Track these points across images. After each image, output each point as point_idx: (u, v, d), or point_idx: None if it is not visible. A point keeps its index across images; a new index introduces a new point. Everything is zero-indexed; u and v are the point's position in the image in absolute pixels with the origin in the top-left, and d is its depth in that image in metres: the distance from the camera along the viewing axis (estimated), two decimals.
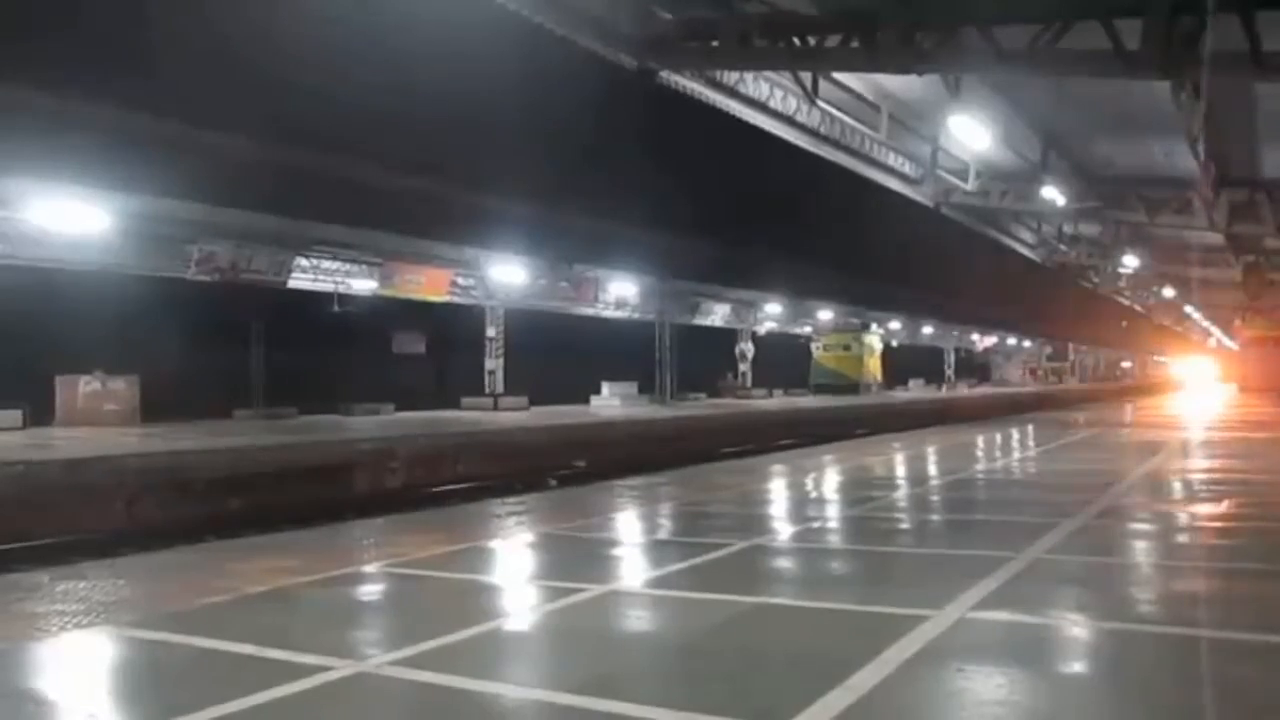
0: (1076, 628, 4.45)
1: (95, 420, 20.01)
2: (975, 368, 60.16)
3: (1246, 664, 3.81)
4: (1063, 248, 33.57)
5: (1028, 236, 31.73)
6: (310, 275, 22.48)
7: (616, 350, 31.18)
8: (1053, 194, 22.00)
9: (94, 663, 4.09)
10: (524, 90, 8.44)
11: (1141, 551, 6.59)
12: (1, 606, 4.79)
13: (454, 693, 3.52)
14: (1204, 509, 8.02)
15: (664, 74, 14.26)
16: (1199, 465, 11.92)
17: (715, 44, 13.60)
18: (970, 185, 23.21)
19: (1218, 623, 4.40)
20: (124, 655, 4.19)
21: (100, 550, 7.96)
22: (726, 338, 38.41)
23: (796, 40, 12.89)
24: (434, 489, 14.25)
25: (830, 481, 10.55)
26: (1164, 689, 3.60)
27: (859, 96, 17.75)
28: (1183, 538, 6.94)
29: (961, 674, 3.71)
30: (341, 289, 23.00)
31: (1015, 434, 18.18)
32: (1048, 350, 62.89)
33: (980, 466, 12.21)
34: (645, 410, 26.35)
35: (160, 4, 6.16)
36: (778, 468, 11.68)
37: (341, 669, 3.75)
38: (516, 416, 22.81)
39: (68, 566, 5.59)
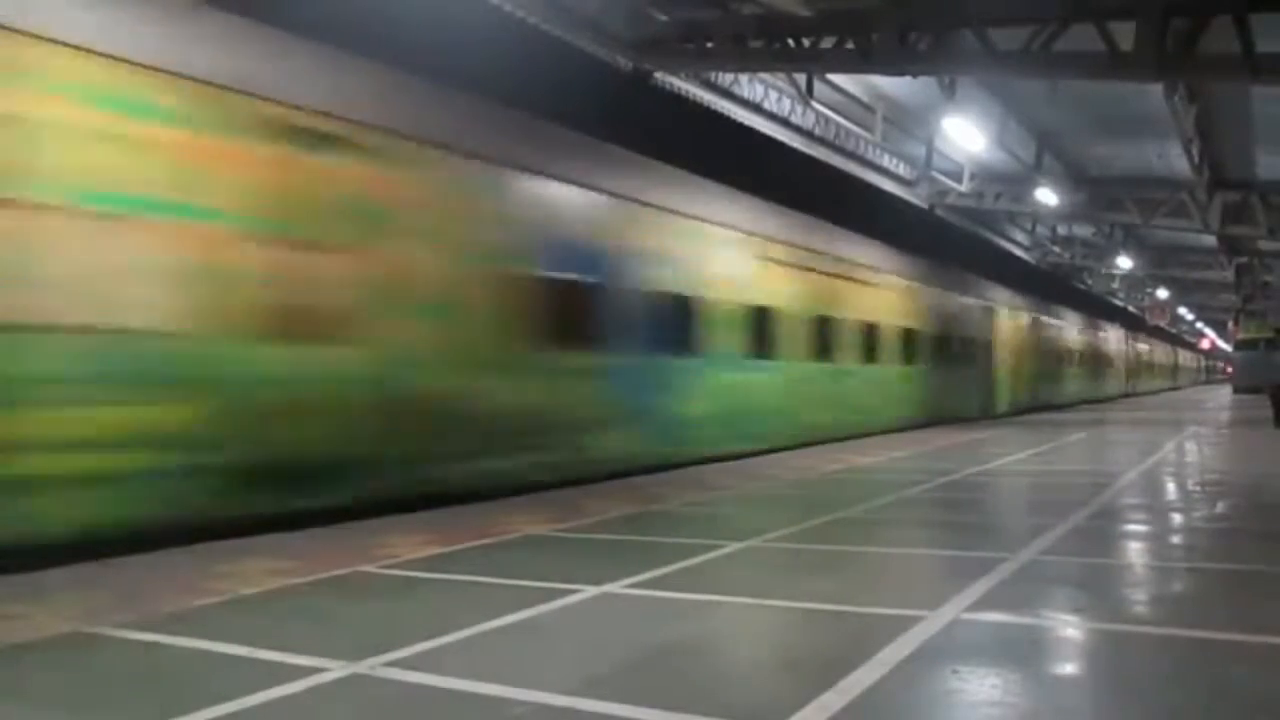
0: None
1: None
2: None
3: None
4: (1056, 249, 33.64)
5: (1021, 238, 31.82)
6: None
7: None
8: (1047, 195, 22.07)
9: (87, 664, 4.07)
10: None
11: None
12: None
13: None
14: None
15: (659, 75, 14.30)
16: None
17: (710, 45, 13.62)
18: (965, 187, 23.28)
19: None
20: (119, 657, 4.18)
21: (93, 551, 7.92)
22: None
23: (791, 42, 12.92)
24: None
25: None
26: None
27: (854, 98, 17.79)
28: None
29: None
30: None
31: None
32: None
33: None
34: None
35: None
36: None
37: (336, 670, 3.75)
38: None
39: (60, 567, 5.57)
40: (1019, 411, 25.87)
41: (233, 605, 4.84)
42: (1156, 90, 14.08)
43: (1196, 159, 18.07)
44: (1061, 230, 31.99)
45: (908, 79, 14.60)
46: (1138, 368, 49.81)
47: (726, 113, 15.90)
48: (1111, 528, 7.22)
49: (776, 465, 11.67)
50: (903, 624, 4.24)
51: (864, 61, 12.81)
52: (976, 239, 28.62)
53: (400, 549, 6.21)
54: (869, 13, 12.21)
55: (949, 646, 4.01)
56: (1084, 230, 31.30)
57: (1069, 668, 4.11)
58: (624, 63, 13.74)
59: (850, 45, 12.57)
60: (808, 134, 17.95)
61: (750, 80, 16.11)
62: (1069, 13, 11.43)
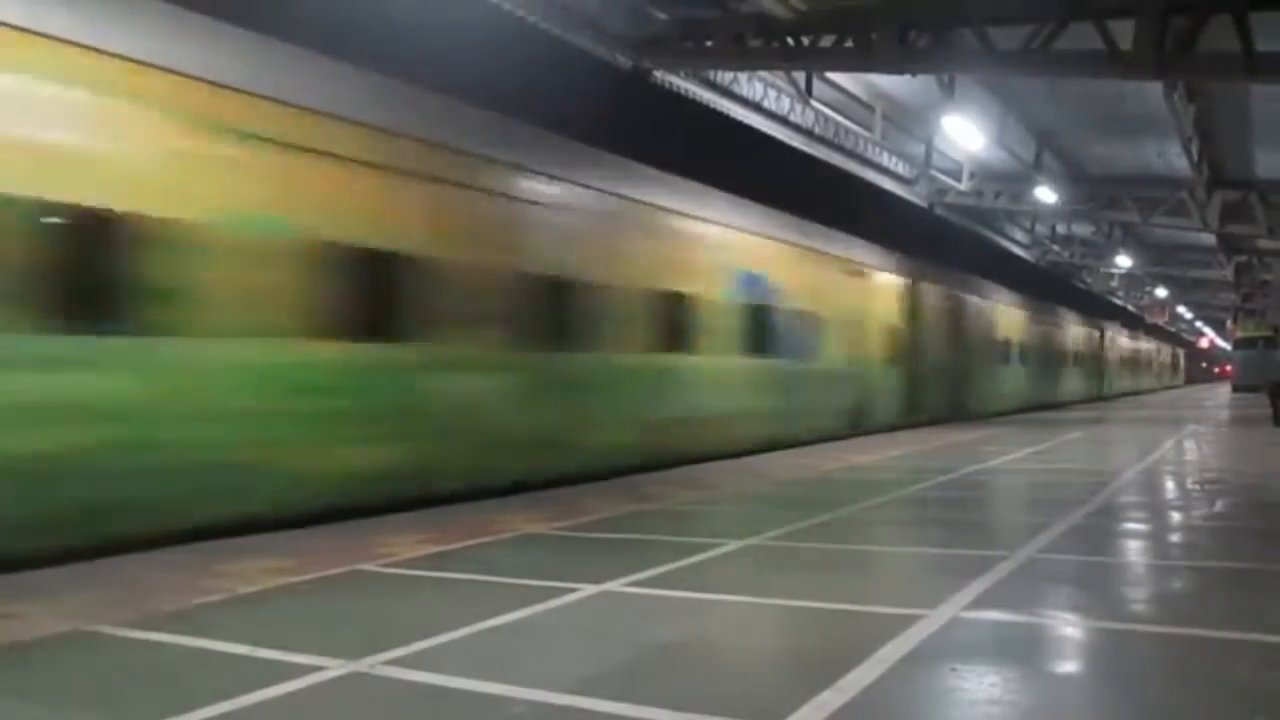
0: None
1: None
2: None
3: None
4: (1055, 248, 33.64)
5: (1021, 236, 31.82)
6: None
7: None
8: (1046, 194, 22.05)
9: (87, 663, 4.07)
10: None
11: None
12: None
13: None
14: None
15: (659, 74, 14.28)
16: None
17: (710, 44, 13.61)
18: (964, 185, 23.26)
19: None
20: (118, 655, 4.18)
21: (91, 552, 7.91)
22: None
23: (790, 40, 12.90)
24: None
25: None
26: None
27: (853, 97, 17.77)
28: None
29: None
30: None
31: None
32: None
33: None
34: None
35: None
36: None
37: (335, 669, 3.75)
38: None
39: (59, 567, 5.56)
40: None
41: (232, 604, 4.84)
42: (1156, 89, 14.06)
43: (1195, 157, 18.05)
44: (1061, 229, 31.97)
45: (907, 77, 14.58)
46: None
47: (726, 111, 15.88)
48: (1110, 526, 7.23)
49: (775, 464, 11.68)
50: (902, 622, 4.24)
51: (864, 60, 12.78)
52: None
53: (399, 548, 6.21)
54: (869, 11, 12.19)
55: (948, 645, 4.02)
56: (1083, 229, 31.28)
57: (1068, 666, 4.12)
58: (623, 61, 13.71)
59: (850, 44, 12.55)
60: (807, 132, 17.94)
61: (749, 79, 16.09)
62: (1068, 12, 11.41)
